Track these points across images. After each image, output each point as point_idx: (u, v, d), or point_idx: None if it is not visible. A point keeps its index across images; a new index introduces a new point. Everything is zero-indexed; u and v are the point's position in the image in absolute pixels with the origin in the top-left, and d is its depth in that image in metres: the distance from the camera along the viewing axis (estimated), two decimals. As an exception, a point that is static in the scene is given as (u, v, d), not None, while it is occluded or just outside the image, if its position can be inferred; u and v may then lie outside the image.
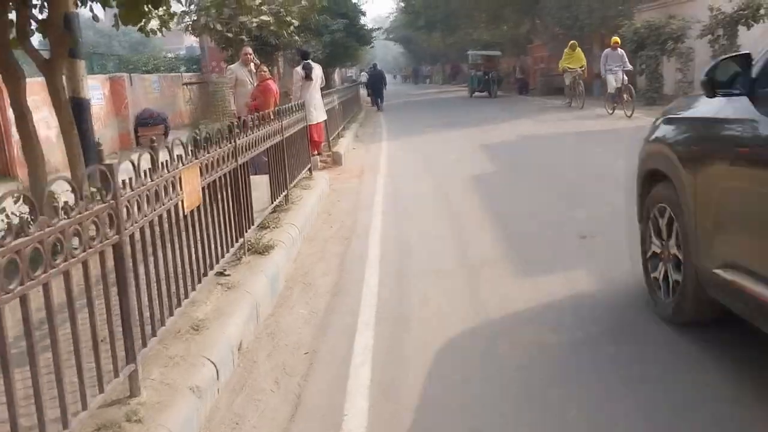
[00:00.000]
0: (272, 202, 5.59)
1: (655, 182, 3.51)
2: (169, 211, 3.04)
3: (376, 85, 25.61)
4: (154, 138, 5.31)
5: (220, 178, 3.94)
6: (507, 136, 12.47)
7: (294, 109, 7.02)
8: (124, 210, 2.48)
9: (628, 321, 3.45)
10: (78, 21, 5.29)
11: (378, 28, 40.03)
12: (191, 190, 3.34)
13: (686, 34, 15.83)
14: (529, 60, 32.49)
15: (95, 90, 13.42)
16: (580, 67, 17.56)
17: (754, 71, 2.76)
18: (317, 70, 9.96)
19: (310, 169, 7.97)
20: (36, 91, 8.20)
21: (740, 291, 2.64)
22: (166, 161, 3.01)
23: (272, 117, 5.71)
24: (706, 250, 2.91)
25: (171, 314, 2.99)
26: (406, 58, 77.88)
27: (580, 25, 22.62)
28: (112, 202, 2.38)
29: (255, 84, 9.14)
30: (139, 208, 2.64)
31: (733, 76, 2.85)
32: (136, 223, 2.59)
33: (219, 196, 3.92)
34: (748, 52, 2.92)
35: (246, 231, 4.46)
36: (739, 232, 2.77)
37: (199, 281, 3.42)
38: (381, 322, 3.73)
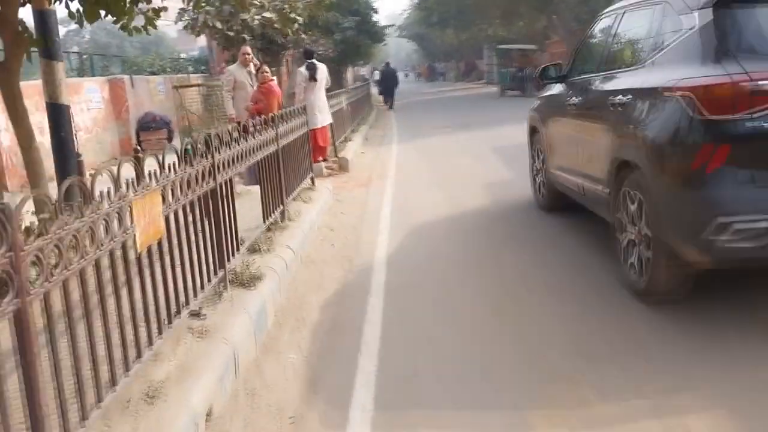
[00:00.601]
0: (264, 222, 4.96)
1: (533, 134, 6.29)
2: (112, 252, 2.42)
3: (387, 83, 25.40)
4: (138, 147, 4.74)
5: (192, 202, 3.32)
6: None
7: (292, 114, 6.37)
8: (31, 265, 1.86)
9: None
10: (55, 19, 4.75)
11: (391, 25, 39.26)
12: (148, 223, 2.71)
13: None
14: (547, 56, 31.60)
15: (94, 93, 12.87)
16: None
17: (563, 71, 5.35)
18: (322, 71, 9.30)
19: (312, 179, 7.34)
20: (29, 94, 7.63)
21: (559, 177, 5.28)
22: (109, 190, 2.39)
23: (265, 124, 5.07)
24: (550, 161, 5.57)
25: (113, 384, 2.36)
26: (420, 55, 77.06)
27: (599, 19, 21.70)
28: (9, 255, 1.76)
29: (255, 86, 8.53)
30: (61, 257, 2.02)
31: (558, 72, 5.43)
32: (51, 279, 1.96)
33: (191, 224, 3.30)
34: (560, 62, 5.94)
35: (229, 260, 3.83)
36: (559, 150, 5.32)
37: (160, 333, 2.80)
38: (383, 376, 3.09)
